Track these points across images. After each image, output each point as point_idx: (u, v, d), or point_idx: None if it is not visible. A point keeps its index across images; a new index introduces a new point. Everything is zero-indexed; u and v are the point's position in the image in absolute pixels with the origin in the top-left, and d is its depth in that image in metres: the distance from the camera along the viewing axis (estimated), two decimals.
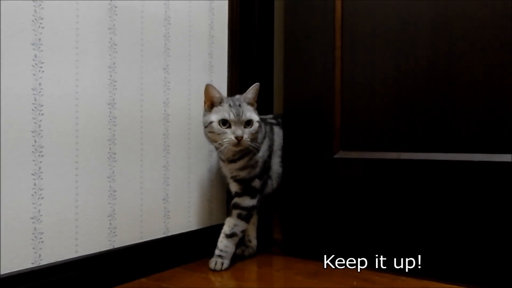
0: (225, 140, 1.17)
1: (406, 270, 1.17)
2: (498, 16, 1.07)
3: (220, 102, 1.21)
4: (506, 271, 1.06)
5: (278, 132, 1.41)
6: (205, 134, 1.25)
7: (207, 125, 1.21)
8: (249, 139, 1.19)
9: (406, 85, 1.20)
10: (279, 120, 1.44)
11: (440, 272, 1.13)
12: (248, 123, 1.20)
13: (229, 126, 1.18)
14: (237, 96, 1.26)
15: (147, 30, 1.20)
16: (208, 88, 1.21)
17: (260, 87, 1.26)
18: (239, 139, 1.16)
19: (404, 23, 1.20)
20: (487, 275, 1.08)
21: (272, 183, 1.39)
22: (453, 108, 1.13)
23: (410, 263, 1.17)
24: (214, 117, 1.19)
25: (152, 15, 1.21)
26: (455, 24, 1.13)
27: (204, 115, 1.24)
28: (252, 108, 1.24)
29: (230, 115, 1.17)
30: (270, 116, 1.46)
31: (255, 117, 1.22)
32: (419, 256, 1.16)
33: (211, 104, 1.22)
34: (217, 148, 1.22)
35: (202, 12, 1.40)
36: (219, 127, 1.18)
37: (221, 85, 1.47)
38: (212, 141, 1.22)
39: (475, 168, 1.10)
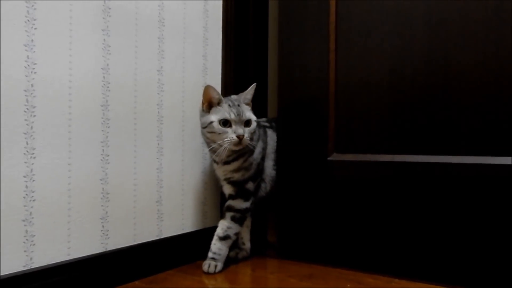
0: (226, 139, 1.17)
1: (400, 272, 1.17)
2: (494, 18, 1.08)
3: (219, 103, 1.21)
4: (504, 273, 1.06)
5: (271, 135, 1.41)
6: (203, 134, 1.25)
7: (207, 126, 1.21)
8: (248, 138, 1.20)
9: (401, 87, 1.20)
10: (273, 123, 1.44)
11: (434, 274, 1.14)
12: (248, 122, 1.21)
13: (229, 126, 1.18)
14: (234, 97, 1.26)
15: (141, 31, 1.19)
16: (208, 89, 1.21)
17: (255, 89, 1.26)
18: (240, 137, 1.17)
19: (399, 26, 1.21)
20: (482, 277, 1.08)
21: (266, 187, 1.39)
22: (449, 110, 1.13)
23: (404, 265, 1.18)
24: (214, 117, 1.19)
25: (146, 16, 1.21)
26: (450, 26, 1.13)
27: (202, 115, 1.24)
28: (249, 108, 1.25)
29: (231, 115, 1.18)
30: (264, 119, 1.46)
31: (253, 116, 1.23)
32: (414, 258, 1.17)
33: (209, 104, 1.22)
34: (215, 150, 1.22)
35: (197, 14, 1.40)
36: (219, 126, 1.18)
37: (216, 87, 1.46)
38: (211, 141, 1.22)
39: (470, 170, 1.10)
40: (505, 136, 1.06)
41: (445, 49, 1.14)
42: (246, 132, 1.19)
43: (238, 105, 1.21)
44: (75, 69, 1.02)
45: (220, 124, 1.18)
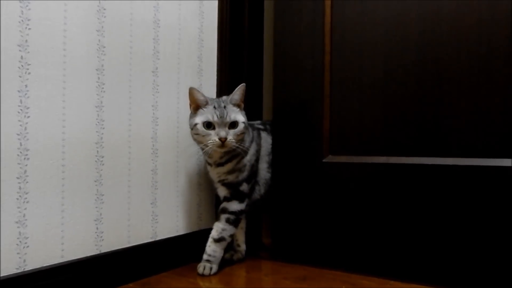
0: (209, 141, 1.18)
1: (395, 275, 1.18)
2: (484, 21, 1.09)
3: (205, 105, 1.22)
4: (498, 274, 1.07)
5: (265, 137, 1.41)
6: (192, 136, 1.25)
7: (193, 127, 1.22)
8: (234, 140, 1.19)
9: (395, 89, 1.21)
10: (267, 126, 1.44)
11: (428, 276, 1.14)
12: (233, 124, 1.21)
13: (213, 128, 1.19)
14: (224, 97, 1.26)
15: (136, 32, 1.19)
16: (191, 92, 1.21)
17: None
18: (222, 140, 1.17)
19: (392, 29, 1.21)
20: (476, 278, 1.09)
21: (260, 189, 1.38)
22: (443, 112, 1.14)
23: (399, 267, 1.18)
24: (199, 119, 1.20)
25: (142, 17, 1.20)
26: (442, 29, 1.14)
27: (190, 117, 1.25)
28: (238, 110, 1.24)
29: (213, 117, 1.18)
30: (258, 122, 1.46)
31: (240, 118, 1.22)
32: (409, 260, 1.17)
33: (196, 106, 1.23)
34: (202, 150, 1.23)
35: (192, 15, 1.39)
36: (203, 129, 1.19)
37: (211, 89, 1.46)
38: (198, 142, 1.23)
39: (467, 172, 1.11)
40: (502, 138, 1.07)
41: (437, 51, 1.15)
42: (230, 134, 1.19)
43: (224, 107, 1.20)
44: (69, 69, 1.01)
45: (203, 126, 1.19)
